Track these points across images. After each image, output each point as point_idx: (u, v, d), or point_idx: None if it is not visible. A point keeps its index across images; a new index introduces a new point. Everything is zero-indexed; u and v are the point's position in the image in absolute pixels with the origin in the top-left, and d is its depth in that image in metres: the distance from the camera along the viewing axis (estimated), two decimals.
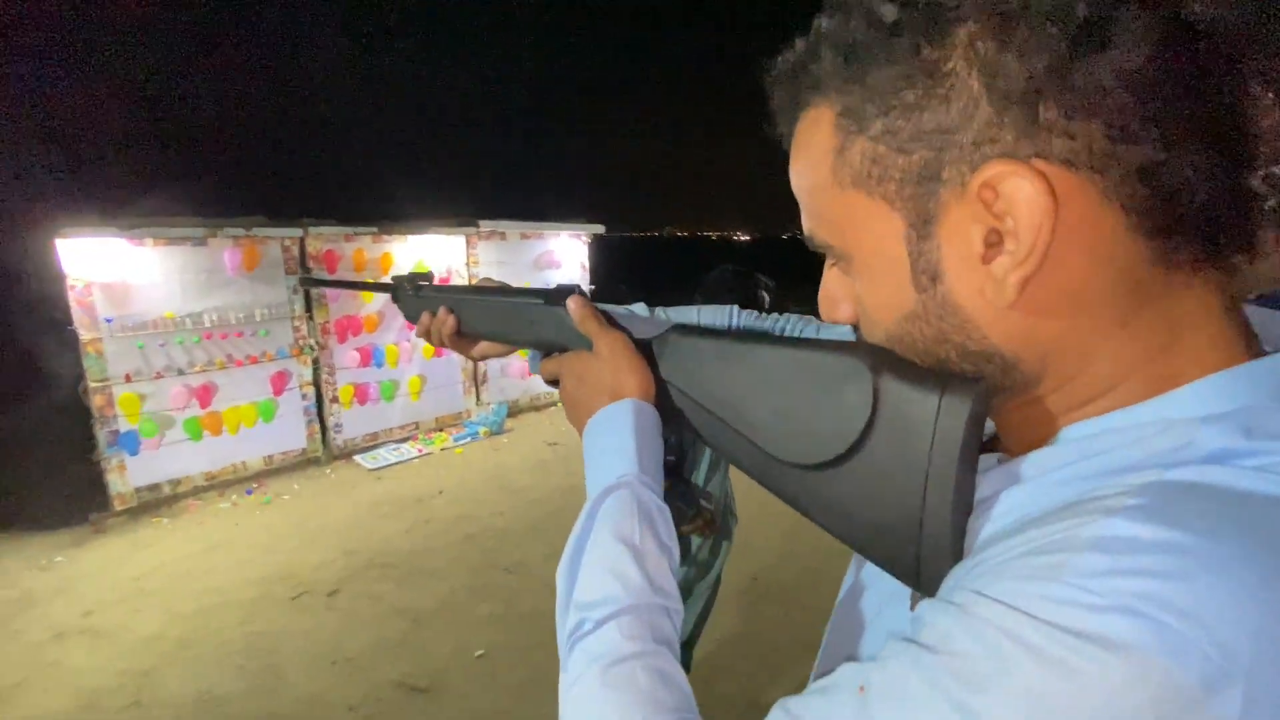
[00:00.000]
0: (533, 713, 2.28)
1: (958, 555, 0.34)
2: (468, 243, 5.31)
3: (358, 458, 4.73)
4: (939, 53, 0.30)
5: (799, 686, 0.36)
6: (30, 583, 3.18)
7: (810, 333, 0.76)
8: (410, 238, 4.93)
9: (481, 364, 5.53)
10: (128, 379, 3.71)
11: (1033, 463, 0.34)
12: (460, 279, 5.29)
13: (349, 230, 4.56)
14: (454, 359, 5.32)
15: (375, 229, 4.71)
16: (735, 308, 0.81)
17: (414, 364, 5.07)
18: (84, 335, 3.56)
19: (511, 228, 5.57)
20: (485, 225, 5.35)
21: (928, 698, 0.27)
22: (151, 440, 3.80)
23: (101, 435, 3.67)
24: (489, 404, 5.53)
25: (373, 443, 4.91)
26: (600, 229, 6.21)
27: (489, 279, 0.78)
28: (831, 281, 0.41)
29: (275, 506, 3.99)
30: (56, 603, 3.00)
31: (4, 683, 2.48)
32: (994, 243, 0.31)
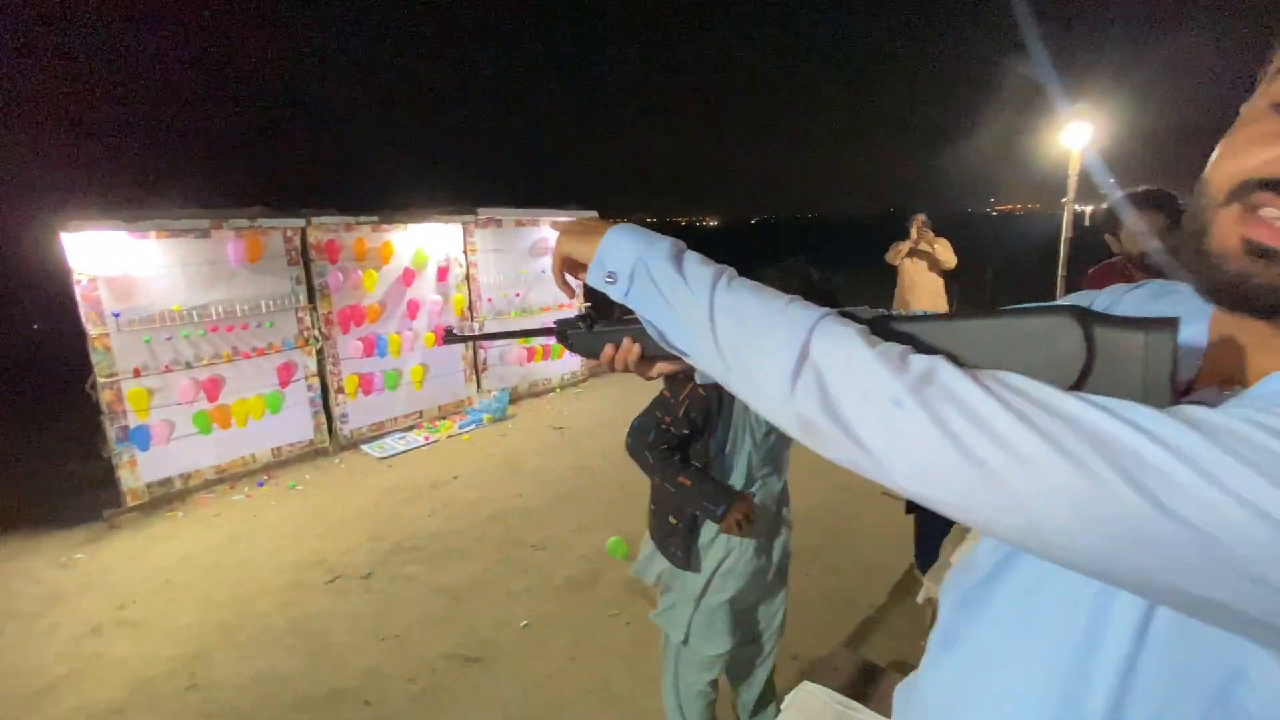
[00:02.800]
0: (586, 673, 2.41)
1: None
2: (465, 231, 5.33)
3: (365, 447, 4.75)
4: None
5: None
6: (55, 580, 3.16)
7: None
8: (410, 226, 4.93)
9: (482, 351, 5.58)
10: (136, 374, 3.67)
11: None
12: (459, 266, 5.32)
13: (350, 220, 4.55)
14: (456, 348, 5.35)
15: (376, 218, 4.70)
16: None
17: (416, 353, 5.09)
18: (91, 330, 3.51)
19: (507, 215, 5.60)
20: (483, 213, 5.38)
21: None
22: (162, 434, 3.77)
23: (112, 431, 3.64)
24: (490, 391, 5.59)
25: (379, 432, 4.93)
26: (594, 215, 6.27)
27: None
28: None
29: (292, 496, 4.01)
30: (86, 598, 3.00)
31: (49, 676, 2.50)
32: None
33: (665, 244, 0.56)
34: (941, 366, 0.42)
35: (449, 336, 0.94)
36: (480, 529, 3.53)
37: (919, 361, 0.42)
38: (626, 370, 0.82)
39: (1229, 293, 0.45)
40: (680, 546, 1.68)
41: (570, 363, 6.32)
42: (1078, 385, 0.45)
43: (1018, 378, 0.41)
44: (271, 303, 4.20)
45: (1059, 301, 0.52)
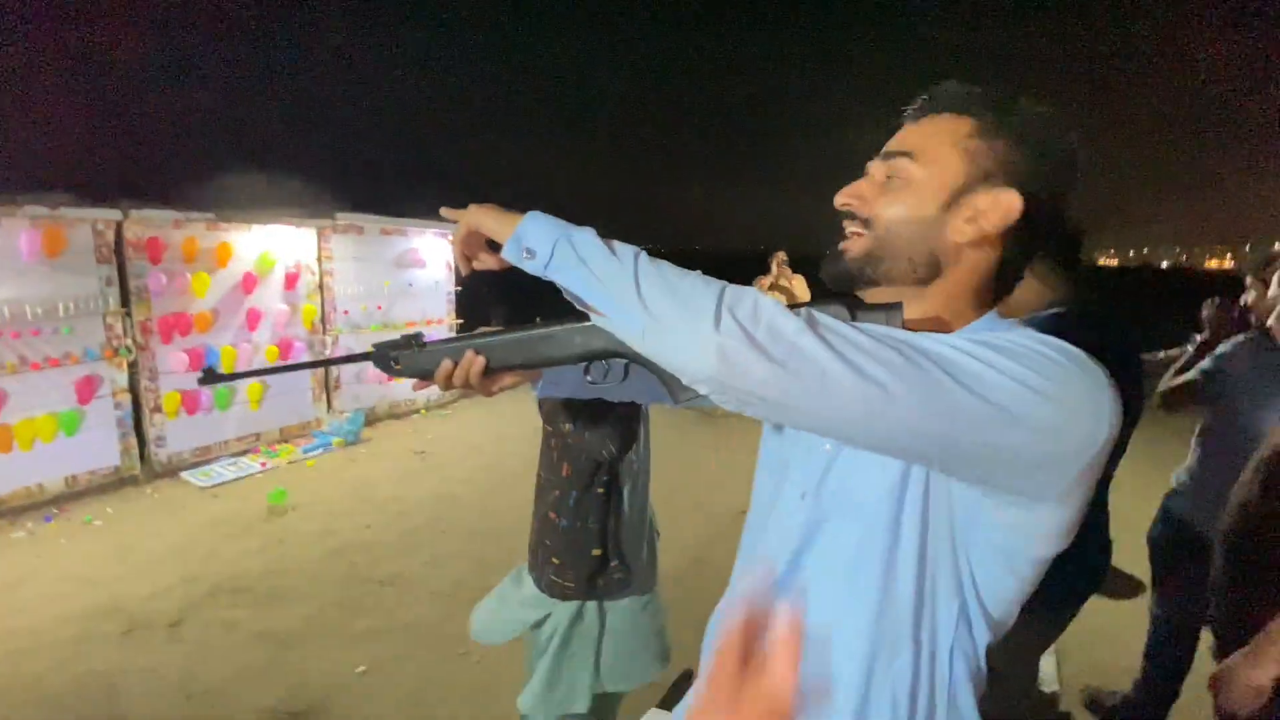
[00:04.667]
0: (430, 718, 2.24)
1: None
2: (319, 235, 4.93)
3: (185, 474, 4.18)
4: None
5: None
6: None
7: None
8: (254, 227, 4.47)
9: (334, 370, 5.15)
10: None
11: None
12: (311, 274, 4.90)
13: (178, 215, 4.04)
14: (302, 361, 4.89)
15: (211, 215, 4.21)
16: None
17: (255, 367, 4.59)
18: None
19: (371, 222, 5.26)
20: (342, 218, 5.01)
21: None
22: None
23: None
24: (343, 412, 5.16)
25: (204, 458, 4.37)
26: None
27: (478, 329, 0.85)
28: (864, 186, 0.72)
29: (87, 533, 3.42)
30: None
31: None
32: (974, 216, 0.66)
33: (586, 229, 0.67)
34: (819, 315, 0.60)
35: (204, 379, 0.84)
36: (319, 566, 3.21)
37: (802, 312, 0.60)
38: (466, 386, 0.83)
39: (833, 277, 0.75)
40: (620, 570, 1.55)
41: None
42: None
43: (875, 325, 0.62)
44: (73, 305, 3.60)
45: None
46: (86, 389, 3.71)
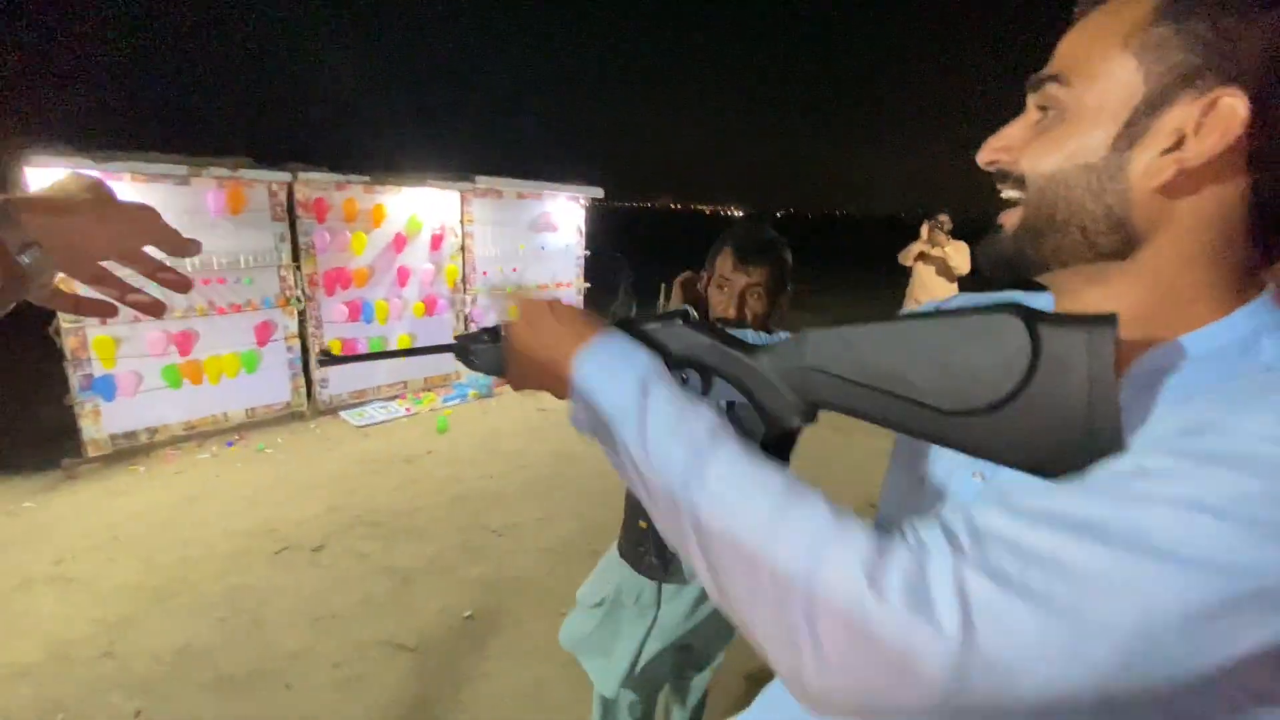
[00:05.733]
0: (523, 675, 2.23)
1: (1119, 448, 0.41)
2: (462, 199, 5.13)
3: (344, 414, 4.61)
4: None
5: None
6: (1, 527, 3.05)
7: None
8: (405, 190, 4.74)
9: (471, 325, 5.40)
10: (103, 321, 3.54)
11: (1156, 361, 0.46)
12: (454, 236, 5.13)
13: (340, 178, 4.37)
14: (445, 318, 5.18)
15: (368, 179, 4.52)
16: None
17: (404, 321, 4.92)
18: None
19: (509, 185, 5.39)
20: (482, 181, 5.17)
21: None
22: (128, 386, 3.65)
23: (75, 379, 3.52)
24: None
25: (359, 400, 4.79)
26: (599, 193, 6.04)
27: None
28: (1015, 129, 0.52)
29: (258, 459, 3.88)
30: (25, 549, 2.88)
31: None
32: (1175, 144, 0.43)
33: (633, 401, 0.52)
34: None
35: (322, 360, 0.78)
36: (443, 509, 3.37)
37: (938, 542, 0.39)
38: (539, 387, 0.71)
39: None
40: (654, 552, 1.44)
41: None
42: (1027, 380, 0.44)
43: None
44: (252, 258, 4.04)
45: (998, 298, 0.57)
46: (264, 333, 4.17)
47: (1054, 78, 0.48)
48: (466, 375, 5.34)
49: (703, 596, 1.46)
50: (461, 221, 5.17)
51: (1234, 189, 0.43)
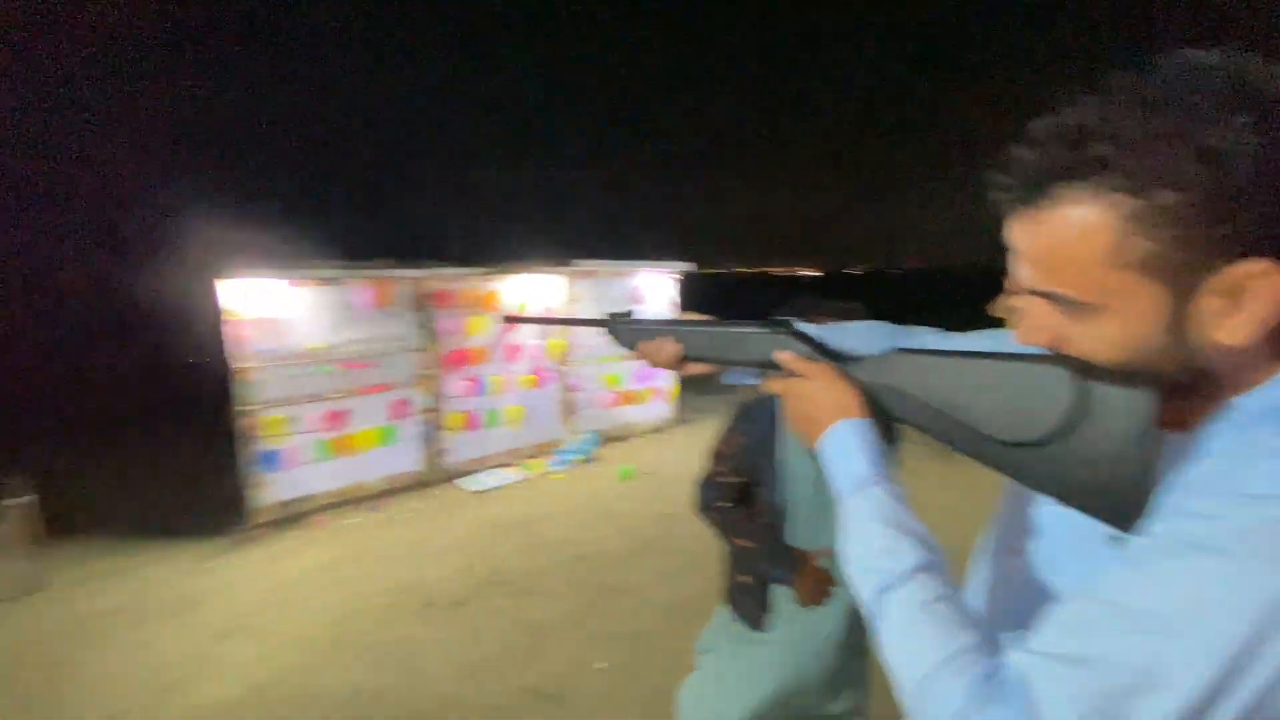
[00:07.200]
0: None
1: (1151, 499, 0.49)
2: (562, 281, 5.63)
3: (460, 481, 5.01)
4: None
5: None
6: (190, 585, 3.54)
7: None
8: (514, 276, 5.28)
9: (571, 394, 5.78)
10: (275, 404, 4.13)
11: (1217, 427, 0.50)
12: (557, 314, 5.60)
13: (463, 271, 4.96)
14: (550, 391, 5.59)
15: (484, 269, 5.09)
16: (878, 324, 0.95)
17: (514, 393, 5.36)
18: (236, 365, 4.00)
19: (602, 266, 5.88)
20: (579, 264, 5.67)
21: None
22: (291, 459, 4.19)
23: (247, 454, 4.08)
24: (580, 433, 5.75)
25: (476, 467, 5.19)
26: (692, 266, 6.45)
27: (691, 313, 0.94)
28: (1040, 313, 0.54)
29: (396, 523, 4.29)
30: (216, 603, 3.33)
31: (179, 673, 2.78)
32: (1228, 310, 0.46)
33: (879, 490, 0.62)
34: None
35: (508, 317, 1.10)
36: (566, 569, 3.61)
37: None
38: (658, 365, 0.89)
39: None
40: (753, 605, 1.49)
41: (657, 409, 6.39)
42: (1070, 425, 0.53)
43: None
44: (393, 344, 4.61)
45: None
46: (399, 409, 4.69)
47: (1054, 296, 0.51)
48: (569, 442, 5.68)
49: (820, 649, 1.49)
50: (564, 302, 5.65)
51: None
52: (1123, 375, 0.51)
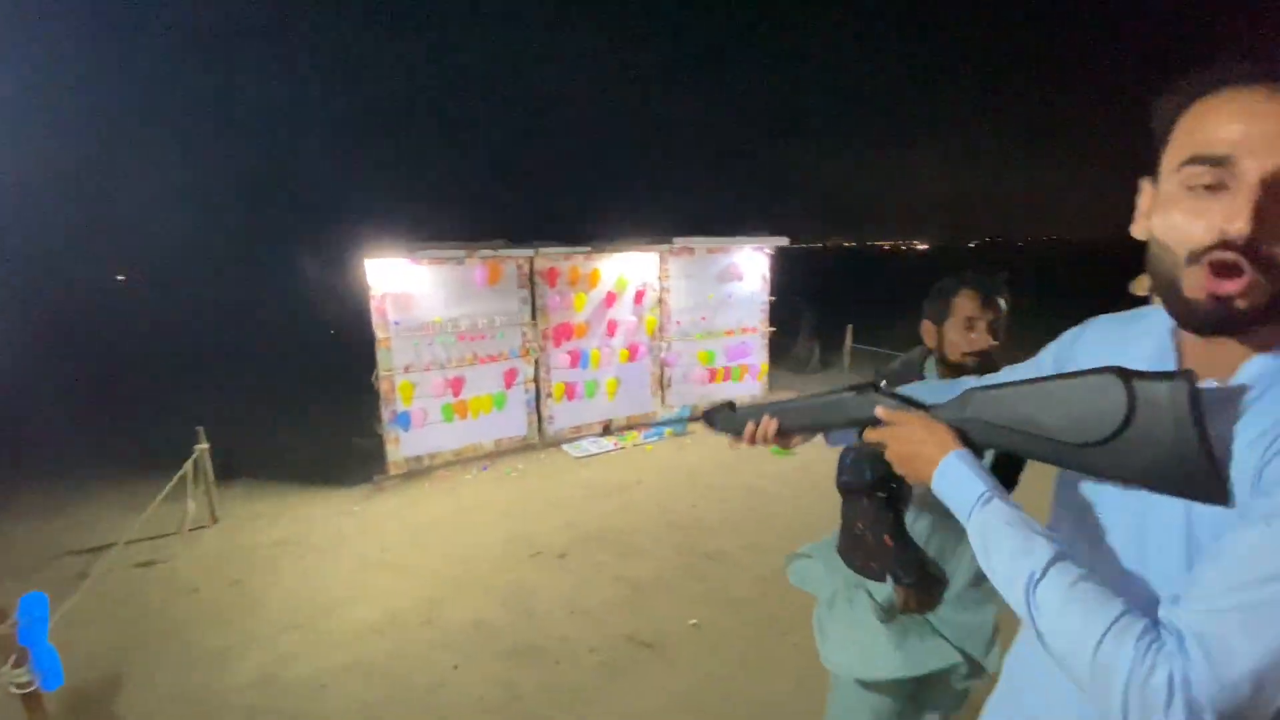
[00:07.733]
0: (755, 683, 2.56)
1: (1217, 464, 0.58)
2: (661, 258, 5.81)
3: (564, 446, 5.39)
4: None
5: None
6: (340, 525, 4.11)
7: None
8: (615, 255, 5.53)
9: (665, 370, 6.00)
10: (405, 370, 4.63)
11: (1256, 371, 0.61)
12: (653, 291, 5.80)
13: (567, 250, 5.26)
14: (644, 363, 5.83)
15: (588, 249, 5.37)
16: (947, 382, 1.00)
17: (612, 367, 5.65)
18: (379, 335, 4.52)
19: (700, 243, 5.99)
20: (678, 242, 5.82)
21: None
22: (419, 420, 4.70)
23: (385, 414, 4.62)
24: (673, 406, 5.97)
25: (576, 434, 5.56)
26: (784, 241, 6.42)
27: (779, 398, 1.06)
28: (1228, 207, 0.58)
29: (507, 481, 4.73)
30: (360, 541, 3.87)
31: (334, 595, 3.29)
32: None
33: (993, 504, 0.71)
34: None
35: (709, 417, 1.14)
36: (660, 531, 3.86)
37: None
38: (766, 443, 1.02)
39: (1204, 324, 0.61)
40: (883, 565, 1.38)
41: (748, 386, 6.49)
42: (1129, 420, 0.63)
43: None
44: (503, 318, 5.01)
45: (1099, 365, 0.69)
46: (510, 378, 5.10)
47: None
48: (662, 414, 5.93)
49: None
50: (659, 278, 5.84)
51: None
52: (1163, 374, 0.61)
